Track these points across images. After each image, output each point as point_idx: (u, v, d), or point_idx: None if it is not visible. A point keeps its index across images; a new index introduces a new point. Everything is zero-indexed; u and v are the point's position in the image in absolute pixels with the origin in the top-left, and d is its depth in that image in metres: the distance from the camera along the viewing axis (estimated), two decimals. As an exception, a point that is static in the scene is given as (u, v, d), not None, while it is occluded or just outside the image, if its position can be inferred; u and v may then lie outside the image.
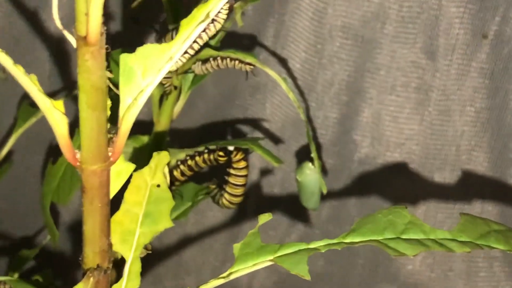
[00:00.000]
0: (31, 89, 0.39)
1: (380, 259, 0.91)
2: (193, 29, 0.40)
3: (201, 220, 0.95)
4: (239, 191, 0.76)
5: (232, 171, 0.75)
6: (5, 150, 0.82)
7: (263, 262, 0.48)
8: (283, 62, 0.83)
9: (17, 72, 0.38)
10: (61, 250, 0.78)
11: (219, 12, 0.41)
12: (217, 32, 0.57)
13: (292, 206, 0.87)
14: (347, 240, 0.48)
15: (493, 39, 0.76)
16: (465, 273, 0.87)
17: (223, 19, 0.44)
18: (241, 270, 0.49)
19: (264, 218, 0.51)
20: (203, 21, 0.40)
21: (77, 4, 0.37)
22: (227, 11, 0.42)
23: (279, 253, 0.48)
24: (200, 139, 0.76)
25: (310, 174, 0.74)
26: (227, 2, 0.41)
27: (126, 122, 0.41)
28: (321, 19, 0.80)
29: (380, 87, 0.82)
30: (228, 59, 0.71)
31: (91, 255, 0.44)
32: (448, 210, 0.85)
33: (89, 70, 0.38)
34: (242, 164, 0.74)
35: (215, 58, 0.71)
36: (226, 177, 0.76)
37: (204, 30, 0.43)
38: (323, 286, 0.95)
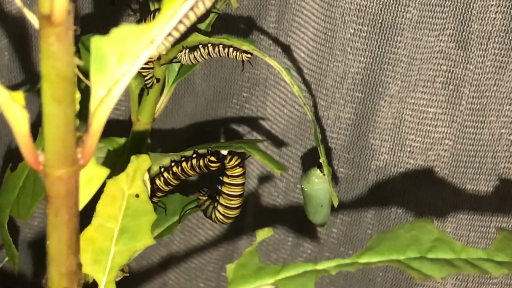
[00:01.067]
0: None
1: (402, 280, 0.91)
2: (179, 7, 0.40)
3: (189, 238, 0.95)
4: (235, 202, 0.75)
5: (226, 179, 0.74)
6: None
7: (262, 286, 0.48)
8: (287, 51, 0.83)
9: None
10: (21, 272, 0.78)
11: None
12: (208, 12, 0.56)
13: (296, 221, 0.86)
14: (362, 260, 0.48)
15: None
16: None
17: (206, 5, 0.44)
18: None
19: (263, 234, 0.51)
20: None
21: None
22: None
23: (281, 275, 0.48)
24: (188, 141, 0.76)
25: (318, 183, 0.74)
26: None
27: (99, 118, 0.40)
28: (332, 1, 0.80)
29: (402, 82, 0.82)
30: (220, 46, 0.70)
31: (57, 277, 0.44)
32: (483, 228, 0.85)
33: (54, 56, 0.38)
34: (238, 171, 0.74)
35: (205, 45, 0.70)
36: (219, 187, 0.75)
37: (191, 8, 0.43)
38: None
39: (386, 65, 0.82)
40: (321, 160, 0.72)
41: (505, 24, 0.77)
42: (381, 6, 0.79)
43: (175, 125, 0.90)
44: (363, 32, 0.81)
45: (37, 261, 0.95)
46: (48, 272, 0.45)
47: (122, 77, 0.40)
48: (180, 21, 0.41)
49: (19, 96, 0.39)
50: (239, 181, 0.74)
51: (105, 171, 0.47)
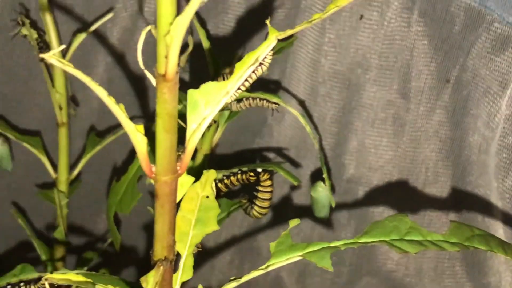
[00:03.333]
0: (120, 115, 0.39)
1: (365, 261, 0.91)
2: (245, 70, 0.40)
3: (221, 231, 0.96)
4: (266, 204, 0.76)
5: (260, 188, 0.75)
6: (76, 171, 0.82)
7: (294, 257, 0.48)
8: (288, 99, 0.84)
9: (110, 102, 0.39)
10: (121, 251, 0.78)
11: (265, 57, 0.42)
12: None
13: (308, 216, 0.86)
14: (361, 240, 0.49)
15: (454, 83, 0.75)
16: (433, 270, 0.87)
17: (268, 63, 0.45)
18: (276, 263, 0.49)
19: (294, 222, 0.51)
20: (252, 64, 0.41)
21: (159, 49, 0.38)
22: (271, 57, 0.43)
23: (307, 250, 0.48)
24: (234, 163, 0.76)
25: (321, 191, 0.75)
26: (271, 50, 0.42)
27: (192, 143, 0.41)
28: (316, 67, 0.80)
29: (364, 121, 0.82)
30: (258, 99, 0.71)
31: (160, 249, 0.44)
32: (418, 220, 0.85)
33: (166, 101, 0.39)
34: (268, 183, 0.74)
35: (247, 98, 0.71)
36: (256, 193, 0.76)
37: (253, 71, 0.44)
38: (318, 278, 0.95)
39: (353, 109, 0.81)
40: (324, 176, 0.72)
41: (433, 83, 0.76)
42: (349, 70, 0.79)
43: (225, 152, 0.90)
44: (337, 88, 0.81)
45: (127, 243, 0.96)
46: (154, 246, 0.45)
47: (208, 116, 0.40)
48: (246, 80, 0.42)
49: (141, 127, 0.40)
50: (269, 189, 0.75)
51: (191, 179, 0.48)
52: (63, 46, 0.42)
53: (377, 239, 0.48)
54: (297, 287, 0.97)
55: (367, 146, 0.83)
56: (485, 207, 0.77)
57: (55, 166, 0.82)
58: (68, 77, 0.78)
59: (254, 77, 0.46)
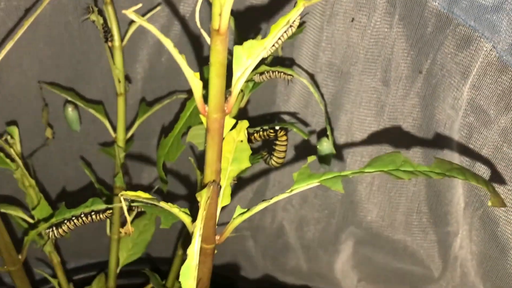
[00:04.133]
0: (182, 63, 0.39)
1: (350, 214, 0.91)
2: (278, 31, 0.40)
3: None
4: (282, 155, 0.76)
5: (277, 142, 0.75)
6: (131, 132, 0.82)
7: (313, 183, 0.48)
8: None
9: (175, 51, 0.39)
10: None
11: (294, 21, 0.42)
12: (291, 36, 0.57)
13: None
14: (366, 170, 0.49)
15: (425, 74, 0.75)
16: (404, 222, 0.87)
17: (295, 26, 0.45)
18: (299, 188, 0.49)
19: (311, 158, 0.51)
20: (284, 25, 0.41)
21: (214, 9, 0.38)
22: (298, 22, 0.43)
23: (323, 178, 0.48)
24: (257, 124, 0.76)
25: (326, 145, 0.75)
26: (298, 16, 0.42)
27: (237, 87, 0.41)
28: (315, 60, 0.80)
29: (352, 103, 0.81)
30: (276, 72, 0.71)
31: (210, 173, 0.45)
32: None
33: (218, 52, 0.39)
34: (284, 138, 0.74)
35: (268, 71, 0.71)
36: (274, 147, 0.76)
37: (285, 32, 0.44)
38: (313, 227, 0.95)
39: (344, 94, 0.81)
40: (328, 133, 0.73)
41: (408, 73, 0.76)
42: (342, 62, 0.78)
43: (251, 114, 0.90)
44: (331, 76, 0.80)
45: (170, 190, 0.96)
46: (204, 171, 0.45)
47: (249, 66, 0.41)
48: (279, 38, 0.42)
49: (197, 74, 0.40)
50: (284, 143, 0.75)
51: (233, 121, 0.48)
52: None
53: (378, 169, 0.48)
54: (296, 233, 0.97)
55: (354, 123, 0.83)
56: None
57: (114, 128, 0.82)
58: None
59: (285, 36, 0.46)
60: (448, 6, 0.69)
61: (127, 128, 0.82)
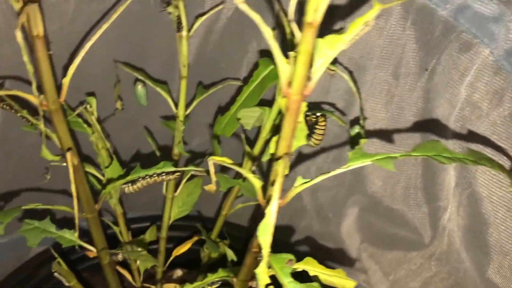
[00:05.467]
0: (275, 49, 0.38)
1: (358, 184, 0.90)
2: (356, 29, 0.40)
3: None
4: (320, 137, 0.75)
5: (317, 126, 0.74)
6: (189, 109, 0.80)
7: (366, 161, 0.47)
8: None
9: (272, 40, 0.38)
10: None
11: (369, 21, 0.41)
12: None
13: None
14: (412, 154, 0.47)
15: (430, 71, 0.74)
16: (403, 194, 0.86)
17: (371, 26, 0.44)
18: (354, 165, 0.47)
19: (364, 141, 0.51)
20: (362, 25, 0.40)
21: (310, 4, 0.37)
22: (374, 21, 0.42)
23: (376, 158, 0.47)
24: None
25: (357, 130, 0.75)
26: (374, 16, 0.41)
27: (317, 73, 0.39)
28: (338, 55, 0.79)
29: (366, 93, 0.80)
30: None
31: (283, 147, 0.43)
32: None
33: (308, 42, 0.37)
34: (323, 122, 0.74)
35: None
36: (314, 130, 0.75)
37: (361, 30, 0.43)
38: (325, 193, 0.95)
39: (360, 85, 0.79)
40: (361, 121, 0.74)
41: (416, 70, 0.74)
42: (360, 57, 0.77)
43: None
44: (351, 68, 0.79)
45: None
46: (278, 146, 0.44)
47: (330, 57, 0.40)
48: (356, 35, 0.41)
49: (286, 60, 0.39)
50: (323, 127, 0.74)
51: (305, 103, 0.46)
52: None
53: (423, 154, 0.47)
54: (311, 198, 0.97)
55: (367, 109, 0.82)
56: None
57: (176, 105, 0.80)
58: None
59: (360, 34, 0.46)
60: (454, 15, 0.68)
61: (187, 106, 0.81)
